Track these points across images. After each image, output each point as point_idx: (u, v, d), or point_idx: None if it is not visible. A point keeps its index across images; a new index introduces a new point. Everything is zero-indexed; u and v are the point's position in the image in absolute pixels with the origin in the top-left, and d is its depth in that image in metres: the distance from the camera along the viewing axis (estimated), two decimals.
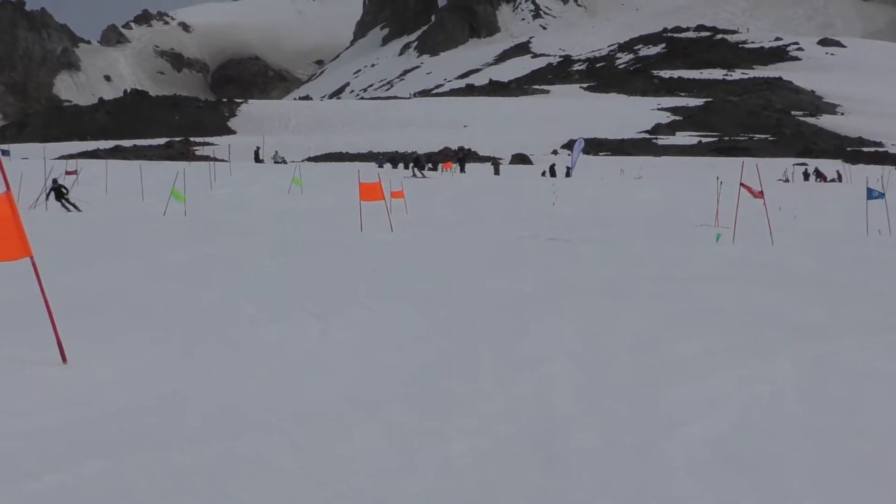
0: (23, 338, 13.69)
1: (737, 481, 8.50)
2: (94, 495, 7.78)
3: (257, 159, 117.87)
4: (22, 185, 48.82)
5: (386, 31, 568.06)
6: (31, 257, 12.66)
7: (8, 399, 10.71)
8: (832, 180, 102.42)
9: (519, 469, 8.70)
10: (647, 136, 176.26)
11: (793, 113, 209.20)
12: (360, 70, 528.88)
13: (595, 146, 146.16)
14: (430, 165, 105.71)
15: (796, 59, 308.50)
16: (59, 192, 53.10)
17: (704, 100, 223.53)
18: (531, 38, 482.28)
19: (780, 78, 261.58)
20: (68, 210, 51.39)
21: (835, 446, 9.58)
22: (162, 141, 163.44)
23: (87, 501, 7.64)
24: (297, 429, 9.85)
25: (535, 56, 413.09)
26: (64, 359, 12.47)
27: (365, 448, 9.27)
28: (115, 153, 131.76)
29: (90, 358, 12.77)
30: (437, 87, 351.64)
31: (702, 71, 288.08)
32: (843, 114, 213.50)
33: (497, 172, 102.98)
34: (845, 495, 8.24)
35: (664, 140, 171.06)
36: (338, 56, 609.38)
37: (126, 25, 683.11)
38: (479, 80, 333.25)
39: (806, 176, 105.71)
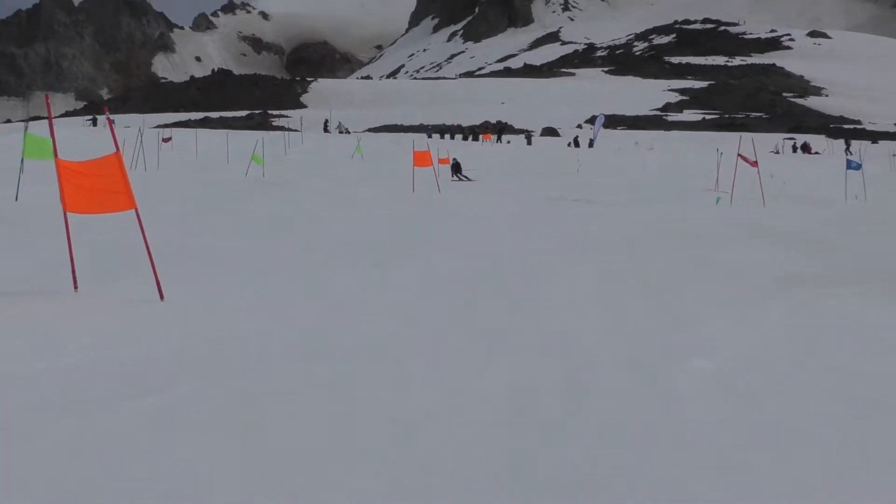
0: (126, 279, 13.77)
1: (735, 407, 8.52)
2: (188, 413, 7.84)
3: (326, 130, 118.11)
4: (125, 149, 48.92)
5: (436, 21, 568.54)
6: (136, 209, 12.74)
7: (114, 331, 10.79)
8: (816, 153, 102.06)
9: (550, 398, 8.70)
10: (659, 113, 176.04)
11: (784, 95, 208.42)
12: (413, 54, 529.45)
13: (614, 122, 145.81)
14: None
15: (788, 48, 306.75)
16: (456, 166, 53.21)
17: (708, 83, 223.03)
18: (560, 28, 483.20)
19: (773, 64, 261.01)
20: (462, 180, 52.11)
21: (816, 378, 9.62)
22: (244, 113, 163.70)
23: (182, 418, 7.70)
24: (359, 358, 9.90)
25: (564, 43, 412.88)
26: (161, 297, 12.56)
27: (416, 375, 9.30)
28: (204, 123, 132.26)
29: (184, 297, 12.84)
30: (479, 69, 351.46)
31: (707, 58, 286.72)
32: (827, 96, 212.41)
33: (529, 143, 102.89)
34: (825, 418, 8.26)
35: (673, 117, 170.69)
36: (394, 42, 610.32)
37: (214, 14, 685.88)
38: (515, 63, 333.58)
39: (794, 149, 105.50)
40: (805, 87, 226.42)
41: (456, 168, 53.06)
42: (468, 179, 51.72)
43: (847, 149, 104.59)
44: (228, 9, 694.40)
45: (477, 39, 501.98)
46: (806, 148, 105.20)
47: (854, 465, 7.18)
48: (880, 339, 11.73)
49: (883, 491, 6.69)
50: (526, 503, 6.18)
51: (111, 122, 14.65)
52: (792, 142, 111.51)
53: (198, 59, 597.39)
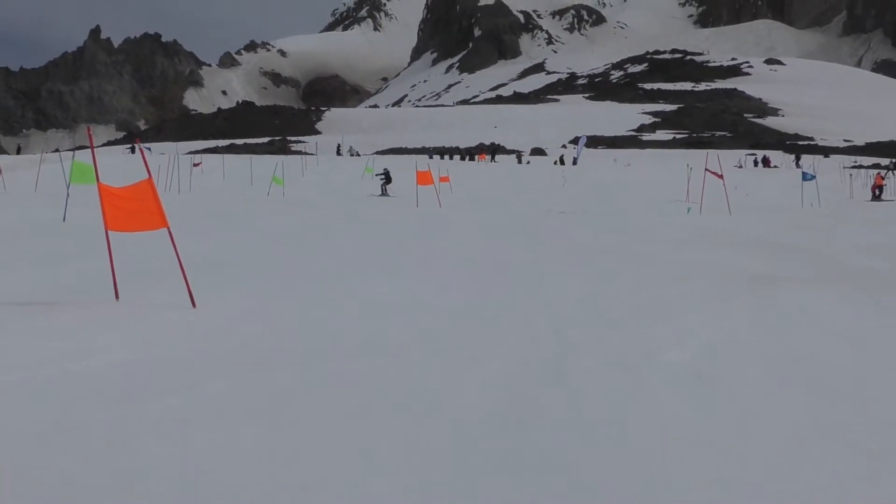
0: (161, 289, 13.75)
1: (704, 394, 8.51)
2: (219, 407, 7.83)
3: (338, 153, 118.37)
4: (160, 174, 49.09)
5: (434, 55, 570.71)
6: (168, 228, 12.77)
7: (152, 335, 10.78)
8: (775, 166, 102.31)
9: (539, 385, 8.71)
10: (634, 133, 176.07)
11: (745, 115, 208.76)
12: (415, 85, 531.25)
13: (594, 142, 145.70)
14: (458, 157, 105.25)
15: (747, 74, 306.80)
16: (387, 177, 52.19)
17: (678, 106, 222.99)
18: (545, 59, 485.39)
19: (735, 89, 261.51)
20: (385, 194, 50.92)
21: (778, 367, 9.62)
22: (265, 140, 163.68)
23: (214, 412, 7.69)
24: (370, 354, 9.89)
25: (549, 73, 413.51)
26: (193, 304, 12.55)
27: (421, 368, 9.29)
28: (230, 149, 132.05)
29: (214, 303, 12.83)
30: (474, 97, 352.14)
31: (675, 84, 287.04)
32: (783, 116, 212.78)
33: (520, 162, 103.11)
34: (786, 403, 8.26)
35: (647, 137, 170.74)
36: (398, 74, 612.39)
37: (238, 52, 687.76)
38: (505, 91, 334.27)
39: (755, 163, 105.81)
40: (763, 109, 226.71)
41: (387, 178, 52.16)
42: (385, 194, 50.90)
43: (797, 162, 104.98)
44: (250, 48, 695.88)
45: (471, 71, 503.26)
46: (766, 161, 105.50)
47: (809, 440, 7.19)
48: (835, 331, 11.73)
49: (834, 462, 6.69)
50: (523, 483, 6.17)
51: (143, 151, 14.79)
52: (753, 157, 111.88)
53: (224, 92, 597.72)
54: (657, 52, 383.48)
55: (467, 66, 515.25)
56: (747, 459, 6.68)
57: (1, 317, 11.54)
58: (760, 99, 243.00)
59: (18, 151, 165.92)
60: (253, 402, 8.01)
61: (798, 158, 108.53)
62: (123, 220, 13.08)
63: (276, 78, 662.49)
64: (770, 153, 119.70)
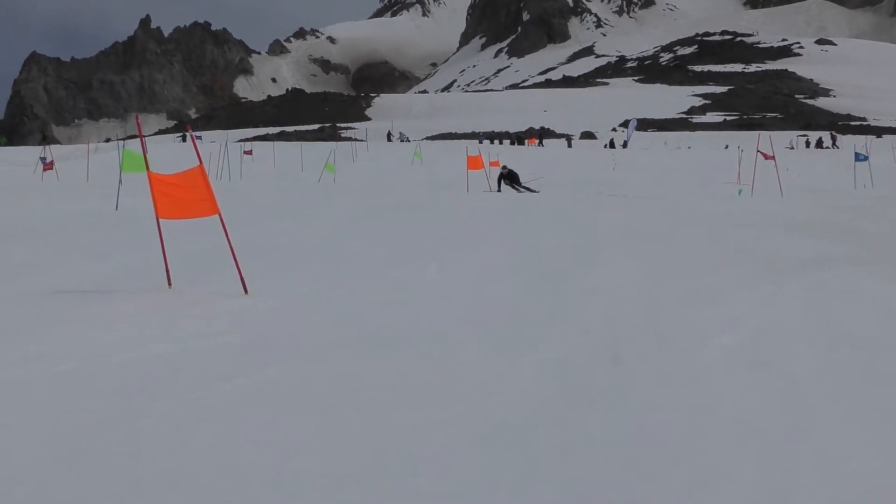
0: (213, 277, 13.82)
1: (759, 377, 8.43)
2: (272, 394, 7.83)
3: (388, 139, 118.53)
4: (211, 161, 49.34)
5: (483, 39, 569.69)
6: (220, 214, 12.80)
7: (205, 322, 10.82)
8: (826, 147, 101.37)
9: (594, 370, 8.66)
10: (685, 116, 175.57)
11: (796, 96, 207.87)
12: (464, 70, 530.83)
13: (645, 125, 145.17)
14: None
15: (798, 55, 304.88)
16: (510, 177, 45.54)
17: (728, 87, 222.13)
18: (594, 43, 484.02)
19: (786, 70, 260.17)
20: (519, 192, 44.59)
21: (831, 349, 9.51)
22: (315, 126, 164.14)
23: (266, 398, 7.69)
24: (422, 343, 9.85)
25: (598, 56, 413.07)
26: (246, 291, 12.59)
27: (474, 357, 9.25)
28: (281, 137, 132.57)
29: (266, 291, 12.87)
30: (523, 81, 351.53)
31: (726, 65, 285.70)
32: (835, 96, 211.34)
33: (570, 146, 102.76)
34: (840, 384, 8.17)
35: (698, 119, 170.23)
36: (447, 59, 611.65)
37: (287, 39, 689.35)
38: (555, 75, 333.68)
39: (807, 144, 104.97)
40: (814, 90, 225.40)
41: (512, 178, 45.34)
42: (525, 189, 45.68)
43: (833, 142, 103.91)
44: (299, 35, 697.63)
45: (520, 55, 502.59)
46: (819, 143, 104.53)
47: (863, 424, 7.08)
48: (889, 314, 11.58)
49: (889, 446, 6.58)
50: (578, 470, 6.12)
51: (194, 139, 14.85)
52: (804, 138, 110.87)
53: (273, 80, 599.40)
54: (707, 34, 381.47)
55: (516, 51, 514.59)
56: (802, 443, 6.60)
57: (55, 307, 11.63)
58: (811, 80, 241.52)
59: (44, 137, 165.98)
60: (305, 391, 8.01)
61: (834, 139, 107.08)
62: (174, 207, 13.14)
63: (326, 65, 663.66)
64: (825, 134, 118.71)
